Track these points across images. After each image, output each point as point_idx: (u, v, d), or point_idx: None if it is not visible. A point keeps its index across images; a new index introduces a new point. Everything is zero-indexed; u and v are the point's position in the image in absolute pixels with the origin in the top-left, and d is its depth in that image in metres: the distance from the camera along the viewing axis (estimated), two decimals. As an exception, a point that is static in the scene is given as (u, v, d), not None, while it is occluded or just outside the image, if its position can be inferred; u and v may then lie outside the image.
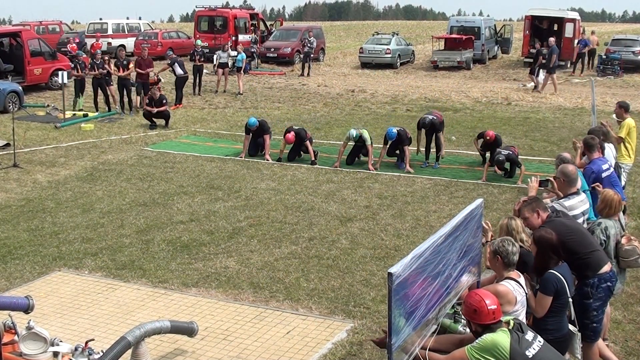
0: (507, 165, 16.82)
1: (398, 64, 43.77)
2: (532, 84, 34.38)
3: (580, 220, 8.32)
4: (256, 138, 19.23)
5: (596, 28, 58.83)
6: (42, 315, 9.30)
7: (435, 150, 18.33)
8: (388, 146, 18.21)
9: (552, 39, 34.14)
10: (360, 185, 16.36)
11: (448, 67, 41.69)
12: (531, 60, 41.32)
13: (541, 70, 33.59)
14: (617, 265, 8.29)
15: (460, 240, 6.17)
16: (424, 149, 18.57)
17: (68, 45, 32.00)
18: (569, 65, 40.64)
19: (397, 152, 18.31)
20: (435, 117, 18.22)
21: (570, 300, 6.79)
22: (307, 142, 18.53)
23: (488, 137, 17.76)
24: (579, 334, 7.10)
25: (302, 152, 18.98)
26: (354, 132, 18.00)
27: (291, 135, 18.28)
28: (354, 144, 18.33)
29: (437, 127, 18.11)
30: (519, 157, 17.34)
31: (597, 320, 7.63)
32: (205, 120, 25.24)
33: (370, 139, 18.20)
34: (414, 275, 5.22)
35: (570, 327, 6.92)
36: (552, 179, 9.00)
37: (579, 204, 8.49)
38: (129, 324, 8.92)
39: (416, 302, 5.36)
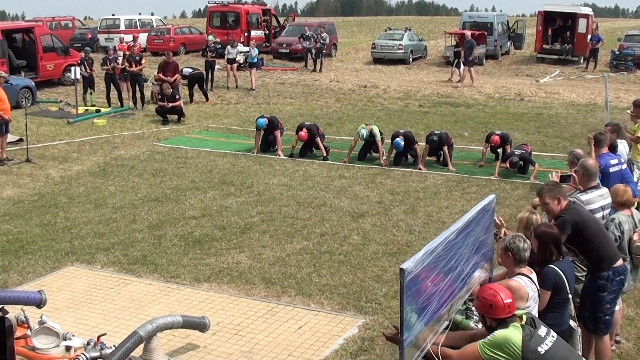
0: (520, 162, 16.76)
1: (410, 59, 43.67)
2: (457, 77, 34.80)
3: (599, 215, 8.28)
4: (267, 135, 19.23)
5: (609, 24, 58.61)
6: (54, 310, 9.32)
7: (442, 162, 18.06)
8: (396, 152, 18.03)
9: (468, 33, 34.96)
10: (372, 181, 16.34)
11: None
12: (544, 56, 41.41)
13: (461, 62, 34.09)
14: (631, 261, 8.27)
15: (473, 236, 6.15)
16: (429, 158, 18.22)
17: (117, 46, 31.82)
18: (582, 61, 40.48)
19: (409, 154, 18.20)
20: (443, 133, 18.01)
21: (571, 296, 6.77)
22: (318, 139, 18.50)
23: (493, 144, 17.75)
24: (579, 329, 7.10)
25: (314, 148, 18.96)
26: (364, 133, 17.90)
27: (304, 132, 18.28)
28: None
29: (443, 142, 17.80)
30: (532, 154, 17.30)
31: (609, 313, 7.65)
32: (217, 115, 25.26)
33: (381, 133, 18.15)
34: (426, 271, 5.21)
35: (571, 322, 6.91)
36: (573, 173, 8.97)
37: (597, 199, 8.44)
38: (141, 319, 8.93)
39: (428, 298, 5.35)
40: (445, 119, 24.61)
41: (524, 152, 16.87)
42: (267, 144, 19.33)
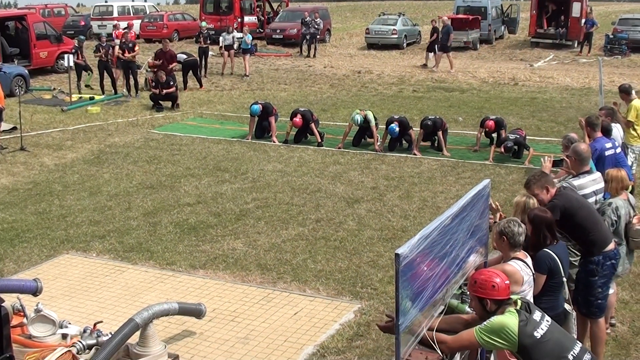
0: (515, 147, 16.76)
1: (404, 44, 43.54)
2: (432, 62, 34.88)
3: (591, 200, 8.29)
4: (262, 121, 19.20)
5: (603, 7, 58.47)
6: (50, 298, 9.34)
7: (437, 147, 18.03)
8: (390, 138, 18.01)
9: (445, 18, 34.94)
10: (367, 167, 16.35)
11: (455, 48, 41.41)
12: (538, 40, 41.32)
13: (436, 47, 34.18)
14: (627, 245, 8.30)
15: (468, 221, 6.15)
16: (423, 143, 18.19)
17: (114, 32, 31.61)
18: (576, 45, 40.43)
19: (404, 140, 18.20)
20: (437, 118, 17.98)
21: (565, 279, 6.79)
22: (312, 125, 18.48)
23: (488, 129, 17.72)
24: (574, 313, 7.13)
25: (308, 134, 18.94)
26: (358, 118, 17.84)
27: (298, 119, 18.24)
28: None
29: (437, 127, 17.75)
30: (526, 138, 17.30)
31: (602, 297, 7.68)
32: (211, 102, 25.21)
33: (375, 119, 18.12)
34: (421, 256, 5.21)
35: (566, 306, 6.93)
36: (565, 158, 8.97)
37: (589, 183, 8.45)
38: (137, 306, 8.94)
39: (423, 283, 5.35)
40: (440, 104, 24.60)
41: (518, 136, 16.88)
42: (262, 131, 19.30)
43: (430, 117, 17.95)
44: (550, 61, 37.27)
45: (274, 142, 18.72)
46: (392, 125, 17.53)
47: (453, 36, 34.05)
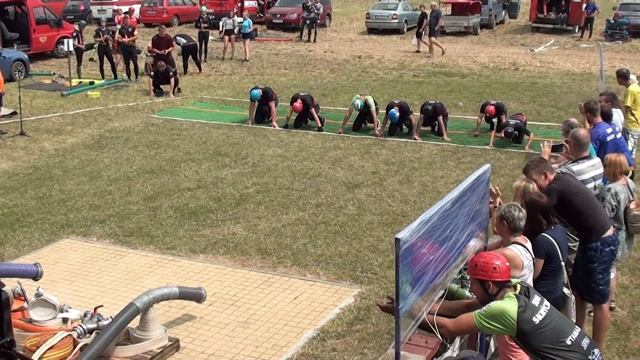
0: (515, 132, 16.74)
1: (405, 29, 43.36)
2: (424, 46, 34.62)
3: (590, 185, 8.28)
4: (262, 106, 19.18)
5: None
6: (50, 282, 9.35)
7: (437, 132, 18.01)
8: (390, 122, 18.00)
9: (434, 3, 34.95)
10: (367, 152, 16.34)
11: (455, 32, 41.34)
12: (539, 25, 41.17)
13: (422, 33, 34.03)
14: (626, 230, 8.30)
15: (468, 206, 6.15)
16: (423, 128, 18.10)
17: (116, 17, 31.39)
18: (577, 30, 40.29)
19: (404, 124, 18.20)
20: (438, 103, 17.95)
21: (564, 264, 6.79)
22: (313, 110, 18.46)
23: (488, 114, 17.69)
24: (573, 297, 7.14)
25: (308, 119, 18.92)
26: (358, 103, 17.80)
27: (298, 104, 18.21)
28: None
29: (438, 111, 17.73)
30: (527, 123, 17.28)
31: (603, 283, 7.67)
32: (211, 87, 25.16)
33: (376, 104, 18.10)
34: (421, 241, 5.21)
35: (565, 290, 6.94)
36: (565, 143, 8.96)
37: (588, 169, 8.44)
38: (137, 291, 8.96)
39: (423, 268, 5.36)
40: (440, 88, 24.55)
41: (518, 121, 16.86)
42: (262, 115, 19.27)
43: (430, 102, 17.92)
44: (551, 46, 37.16)
45: (274, 126, 18.70)
46: (393, 110, 17.50)
47: (442, 21, 33.91)
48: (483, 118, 17.92)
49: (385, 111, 17.88)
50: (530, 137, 16.62)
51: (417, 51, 34.53)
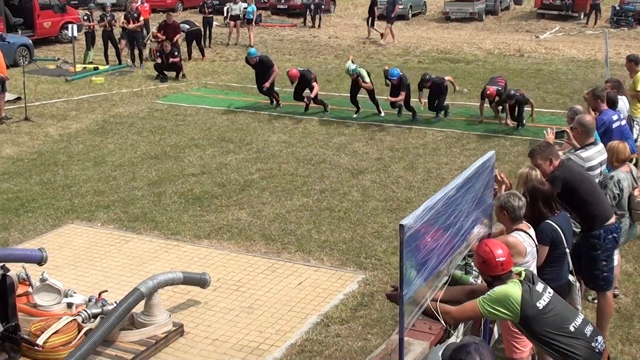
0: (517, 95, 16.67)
1: (410, 15, 43.22)
2: (376, 33, 34.28)
3: (597, 171, 8.31)
4: (262, 78, 19.13)
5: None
6: (55, 267, 9.38)
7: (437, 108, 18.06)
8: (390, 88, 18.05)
9: None
10: (371, 138, 16.33)
11: (460, 19, 41.18)
12: (544, 11, 41.01)
13: (375, 21, 33.87)
14: (631, 217, 8.29)
15: (472, 192, 6.14)
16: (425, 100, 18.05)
17: (133, 5, 31.13)
18: (582, 17, 40.13)
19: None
20: (437, 77, 17.93)
21: (568, 251, 6.78)
22: (314, 83, 18.46)
23: (489, 92, 17.12)
24: (578, 284, 7.13)
25: (309, 100, 18.73)
26: (351, 67, 18.04)
27: (294, 70, 18.45)
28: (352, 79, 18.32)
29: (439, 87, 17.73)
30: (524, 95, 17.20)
31: (606, 270, 7.67)
32: (216, 72, 25.13)
33: (369, 75, 18.05)
34: (425, 227, 5.21)
35: (570, 277, 6.93)
36: (567, 130, 8.95)
37: (596, 155, 8.44)
38: (141, 276, 8.99)
39: (427, 254, 5.36)
40: (445, 75, 24.45)
41: (518, 95, 16.76)
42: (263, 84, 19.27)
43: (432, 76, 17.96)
44: (556, 33, 37.01)
45: (264, 87, 18.90)
46: (395, 69, 17.77)
47: (399, 7, 33.58)
48: (487, 103, 17.77)
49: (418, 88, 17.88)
50: (531, 104, 17.03)
51: (368, 37, 34.30)
